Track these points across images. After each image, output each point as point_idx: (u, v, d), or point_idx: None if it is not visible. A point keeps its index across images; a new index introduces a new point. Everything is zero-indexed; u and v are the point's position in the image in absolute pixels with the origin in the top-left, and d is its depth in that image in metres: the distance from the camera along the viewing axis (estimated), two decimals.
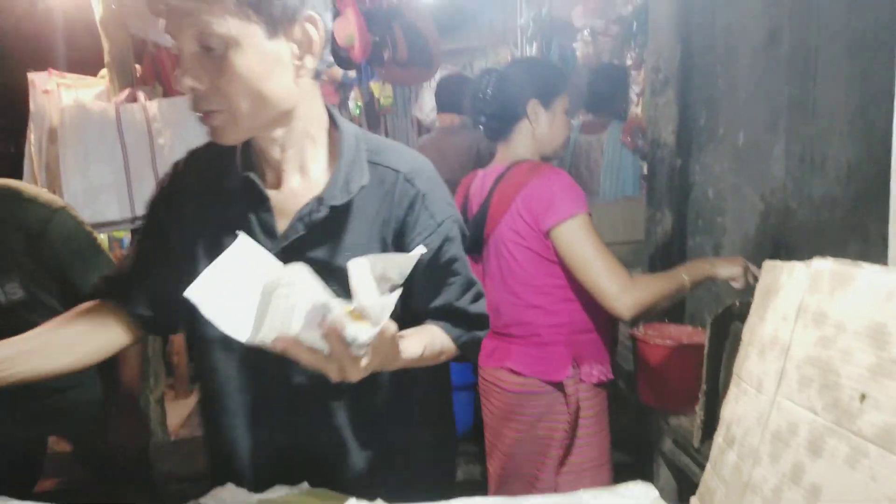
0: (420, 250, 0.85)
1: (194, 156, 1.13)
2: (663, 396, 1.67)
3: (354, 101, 5.69)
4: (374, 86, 5.53)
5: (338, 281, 0.89)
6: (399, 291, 0.80)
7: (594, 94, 3.17)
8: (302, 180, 1.04)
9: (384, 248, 1.03)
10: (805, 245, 1.53)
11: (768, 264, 0.87)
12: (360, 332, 0.76)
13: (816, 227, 1.49)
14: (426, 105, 5.50)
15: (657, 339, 1.67)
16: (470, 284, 1.11)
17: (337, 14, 3.50)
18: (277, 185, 1.04)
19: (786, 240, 1.61)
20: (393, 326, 0.82)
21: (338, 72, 5.33)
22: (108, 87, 2.61)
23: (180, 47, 0.90)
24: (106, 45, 2.57)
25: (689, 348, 1.60)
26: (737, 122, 1.83)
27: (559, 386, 1.63)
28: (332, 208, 0.99)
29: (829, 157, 1.44)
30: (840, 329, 0.67)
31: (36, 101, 2.52)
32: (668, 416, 1.65)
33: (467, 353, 1.12)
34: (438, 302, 1.07)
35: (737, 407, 0.85)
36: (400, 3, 3.56)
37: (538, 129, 1.72)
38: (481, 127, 1.80)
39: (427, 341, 0.99)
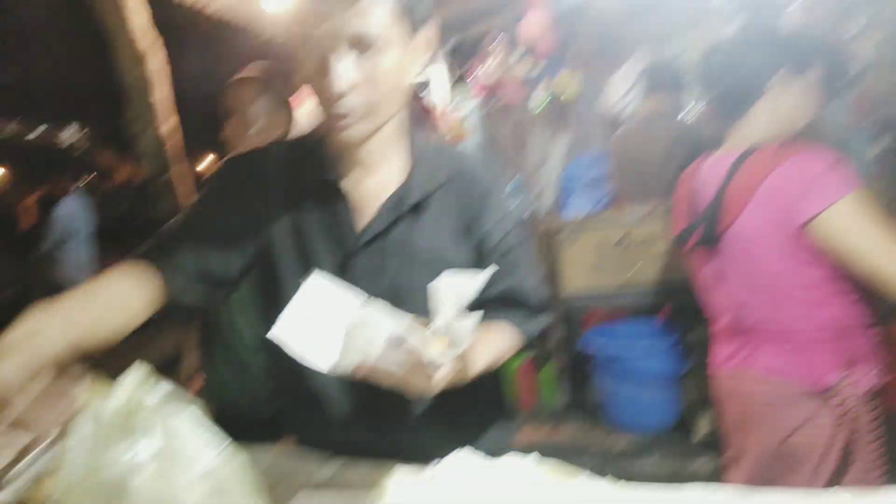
0: (491, 269, 0.90)
1: (260, 153, 1.17)
2: None
3: (541, 95, 5.71)
4: (561, 79, 5.51)
5: (417, 274, 1.00)
6: (480, 314, 0.86)
7: None
8: (382, 176, 1.09)
9: (458, 241, 1.09)
10: None
11: None
12: (439, 355, 0.83)
13: None
14: (613, 96, 5.37)
15: None
16: (533, 270, 1.16)
17: (525, 12, 3.56)
18: (358, 180, 1.09)
19: None
20: (466, 345, 0.87)
21: (523, 68, 5.40)
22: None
23: (330, 51, 0.94)
24: None
25: None
26: None
27: (824, 392, 1.43)
28: (415, 203, 1.05)
29: None
30: None
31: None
32: None
33: (530, 345, 1.16)
34: (503, 286, 1.11)
35: None
36: None
37: (783, 107, 1.53)
38: (709, 108, 1.68)
39: (493, 349, 1.04)
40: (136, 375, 0.71)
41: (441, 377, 0.86)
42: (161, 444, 0.69)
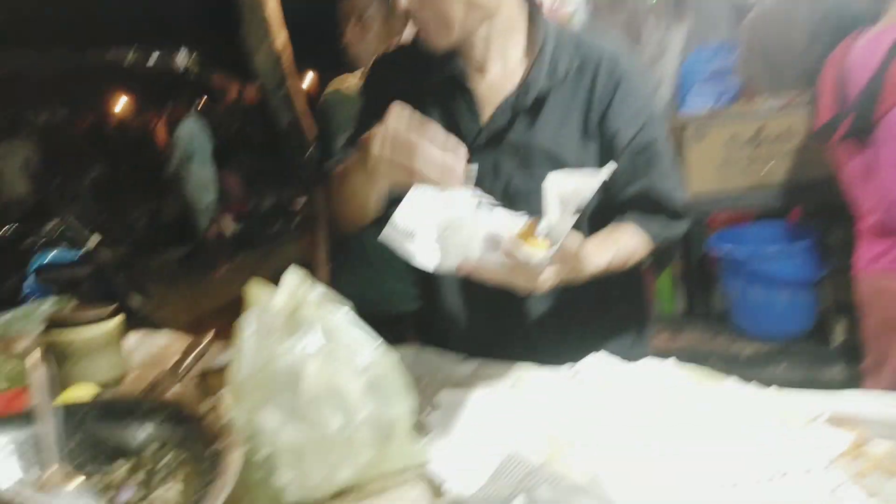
0: (610, 167, 0.84)
1: (393, 55, 1.21)
2: None
3: None
4: None
5: (534, 175, 0.97)
6: (577, 216, 0.81)
7: None
8: (503, 70, 1.07)
9: (586, 133, 1.04)
10: None
11: None
12: (534, 254, 0.80)
13: None
14: None
15: None
16: (672, 170, 1.08)
17: None
18: (479, 75, 1.08)
19: None
20: (576, 242, 0.85)
21: None
22: None
23: None
24: None
25: None
26: None
27: None
28: (537, 95, 1.02)
29: None
30: None
31: None
32: None
33: (662, 252, 1.09)
34: (637, 187, 1.05)
35: None
36: None
37: None
38: None
39: (614, 250, 0.98)
40: (294, 278, 0.75)
41: (547, 276, 0.84)
42: (322, 340, 0.73)
